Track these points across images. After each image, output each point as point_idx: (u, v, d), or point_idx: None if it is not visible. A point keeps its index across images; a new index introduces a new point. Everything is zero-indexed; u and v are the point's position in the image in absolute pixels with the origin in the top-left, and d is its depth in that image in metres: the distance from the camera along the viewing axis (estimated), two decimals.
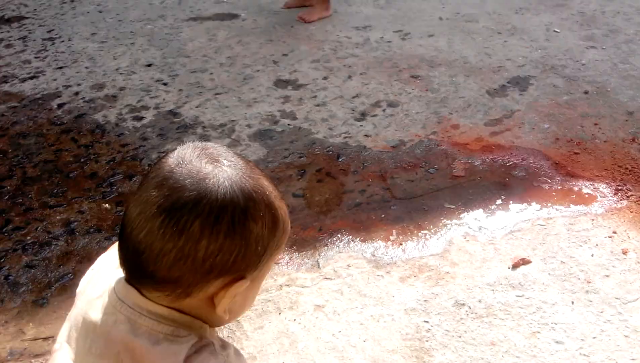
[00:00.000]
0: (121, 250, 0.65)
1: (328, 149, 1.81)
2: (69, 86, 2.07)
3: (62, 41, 2.41)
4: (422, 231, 1.50)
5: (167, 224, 0.61)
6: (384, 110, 2.02)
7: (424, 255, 1.43)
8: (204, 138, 1.83)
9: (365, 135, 1.89)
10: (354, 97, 2.09)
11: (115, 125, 1.86)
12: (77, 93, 2.03)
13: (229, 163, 0.65)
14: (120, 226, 0.67)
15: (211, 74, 2.18)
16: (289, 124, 1.93)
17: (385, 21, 2.72)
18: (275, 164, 1.74)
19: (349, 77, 2.22)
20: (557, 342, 1.22)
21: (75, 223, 1.49)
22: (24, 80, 2.12)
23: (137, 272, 0.65)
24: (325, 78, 2.21)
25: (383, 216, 1.55)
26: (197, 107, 1.98)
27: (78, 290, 0.73)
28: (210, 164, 0.64)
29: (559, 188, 1.67)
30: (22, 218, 1.53)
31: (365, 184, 1.68)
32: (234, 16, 2.72)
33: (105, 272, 0.72)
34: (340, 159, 1.77)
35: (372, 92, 2.13)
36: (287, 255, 1.46)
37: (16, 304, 1.30)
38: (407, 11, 2.83)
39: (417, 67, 2.29)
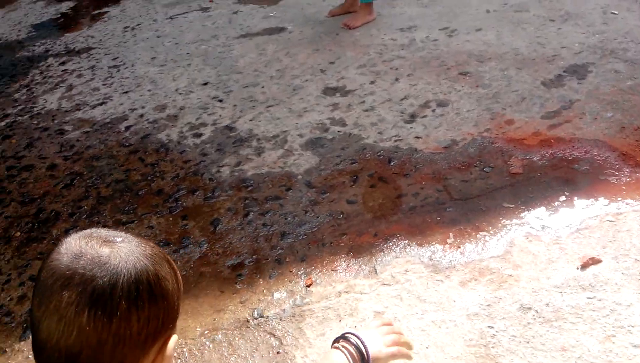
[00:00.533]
0: (49, 358, 0.63)
1: (379, 153, 1.83)
2: (135, 109, 2.22)
3: (126, 67, 2.58)
4: (480, 233, 1.48)
5: (95, 316, 0.62)
6: (433, 110, 2.02)
7: (484, 258, 1.40)
8: (259, 150, 1.90)
9: (416, 137, 1.89)
10: (402, 99, 2.10)
11: (177, 143, 1.98)
12: (141, 115, 2.17)
13: (121, 239, 0.68)
14: (36, 350, 0.65)
15: (262, 87, 2.26)
16: (339, 131, 1.96)
17: (430, 20, 2.70)
18: (327, 172, 1.78)
19: (396, 79, 2.23)
20: (634, 346, 1.16)
21: (146, 238, 1.61)
22: (94, 106, 2.30)
23: None
24: (372, 82, 2.23)
25: (439, 218, 1.54)
26: (251, 120, 2.06)
27: None
28: (106, 247, 0.66)
29: (628, 180, 1.59)
30: None
31: (418, 187, 1.68)
32: (281, 29, 2.80)
33: None
34: (392, 163, 1.78)
35: (420, 93, 2.12)
36: (344, 262, 1.49)
37: None
38: (453, 7, 2.80)
39: (466, 63, 2.26)
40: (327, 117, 2.04)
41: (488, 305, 1.28)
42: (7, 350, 1.32)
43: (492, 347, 1.19)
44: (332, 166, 1.80)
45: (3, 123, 2.25)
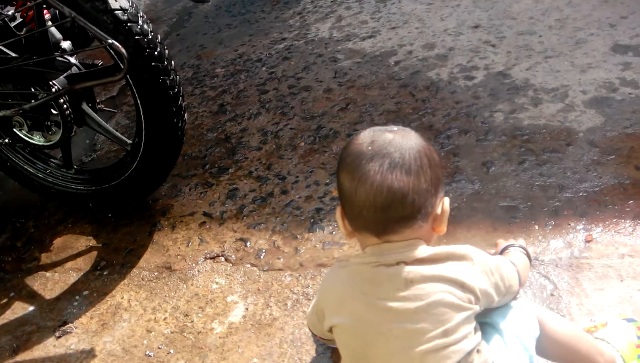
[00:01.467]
0: (367, 215, 0.90)
1: None
2: (403, 45, 2.33)
3: (393, 3, 2.67)
4: None
5: (397, 177, 0.88)
6: None
7: None
8: (536, 100, 1.87)
9: None
10: None
11: (447, 83, 2.04)
12: (410, 52, 2.27)
13: (397, 128, 0.95)
14: (356, 214, 0.92)
15: (540, 36, 2.17)
16: (629, 93, 1.81)
17: None
18: (614, 133, 1.68)
19: None
20: None
21: None
22: (363, 39, 2.47)
23: (389, 223, 0.90)
24: None
25: None
26: (527, 70, 2.01)
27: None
28: (389, 133, 0.93)
29: None
30: None
31: None
32: None
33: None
34: None
35: None
36: (629, 226, 1.43)
37: None
38: None
39: None
40: (616, 77, 1.89)
41: None
42: (298, 236, 1.58)
43: None
44: (620, 129, 1.69)
45: (282, 45, 2.56)
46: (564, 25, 2.22)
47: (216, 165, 1.95)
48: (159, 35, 1.49)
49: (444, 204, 0.95)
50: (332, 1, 2.92)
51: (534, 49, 2.12)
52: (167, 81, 1.48)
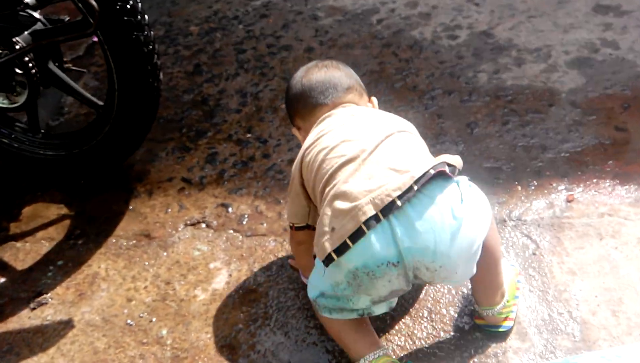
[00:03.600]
0: (319, 94, 1.23)
1: None
2: (385, 3, 2.25)
3: None
4: None
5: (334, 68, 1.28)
6: None
7: None
8: (519, 60, 1.85)
9: None
10: None
11: (431, 42, 2.00)
12: (392, 10, 2.20)
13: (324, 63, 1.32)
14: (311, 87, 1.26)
15: None
16: (610, 54, 1.82)
17: None
18: (595, 94, 1.68)
19: None
20: None
21: None
22: None
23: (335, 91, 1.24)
24: None
25: None
26: (510, 29, 1.99)
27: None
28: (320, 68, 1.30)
29: None
30: None
31: None
32: None
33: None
34: None
35: None
36: (609, 186, 1.45)
37: None
38: None
39: None
40: (598, 37, 1.89)
41: None
42: (281, 201, 1.55)
43: None
44: (601, 90, 1.70)
45: (259, 2, 2.45)
46: None
47: (194, 128, 1.87)
48: None
49: (373, 101, 1.32)
50: None
51: (517, 9, 2.10)
52: (141, 37, 1.39)
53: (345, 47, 2.09)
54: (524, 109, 1.68)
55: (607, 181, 1.46)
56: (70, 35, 1.35)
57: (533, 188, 1.47)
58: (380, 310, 1.11)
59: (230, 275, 1.39)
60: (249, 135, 1.80)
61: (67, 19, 1.44)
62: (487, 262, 1.08)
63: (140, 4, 1.41)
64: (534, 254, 1.33)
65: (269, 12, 2.41)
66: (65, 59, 1.61)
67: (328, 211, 1.02)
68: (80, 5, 1.27)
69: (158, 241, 1.51)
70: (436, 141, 1.64)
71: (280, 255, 1.42)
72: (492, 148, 1.59)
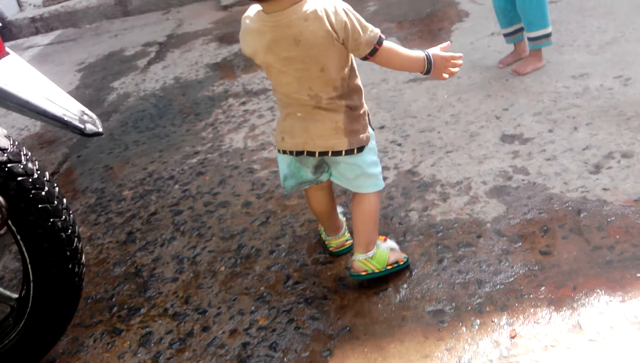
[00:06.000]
0: None
1: (567, 204, 1.83)
2: None
3: None
4: None
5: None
6: (618, 161, 1.96)
7: None
8: (444, 195, 1.99)
9: (604, 189, 1.85)
10: (584, 149, 2.07)
11: None
12: None
13: None
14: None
15: (439, 132, 2.35)
16: (522, 180, 1.99)
17: (602, 67, 2.62)
18: (516, 221, 1.81)
19: (575, 128, 2.21)
20: None
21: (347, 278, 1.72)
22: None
23: None
24: (550, 131, 2.24)
25: (639, 275, 1.52)
26: (432, 165, 2.16)
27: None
28: None
29: None
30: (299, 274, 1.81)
31: (612, 240, 1.65)
32: None
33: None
34: (581, 215, 1.76)
35: (602, 143, 2.08)
36: (546, 314, 1.50)
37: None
38: (623, 55, 2.69)
39: None
40: (509, 165, 2.08)
41: None
42: None
43: None
44: (520, 215, 1.83)
45: (195, 160, 2.54)
46: (458, 120, 2.44)
47: (125, 306, 1.79)
48: (47, 173, 1.40)
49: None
50: (244, 110, 2.99)
51: (435, 145, 2.29)
52: (58, 223, 1.36)
53: (282, 198, 2.16)
54: (456, 243, 1.77)
55: (544, 309, 1.52)
56: None
57: (476, 327, 1.50)
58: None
59: None
60: (186, 306, 1.74)
61: None
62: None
63: (57, 188, 1.39)
64: None
65: (205, 169, 2.49)
66: None
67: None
68: None
69: None
70: (379, 289, 1.65)
71: None
72: (433, 289, 1.63)
